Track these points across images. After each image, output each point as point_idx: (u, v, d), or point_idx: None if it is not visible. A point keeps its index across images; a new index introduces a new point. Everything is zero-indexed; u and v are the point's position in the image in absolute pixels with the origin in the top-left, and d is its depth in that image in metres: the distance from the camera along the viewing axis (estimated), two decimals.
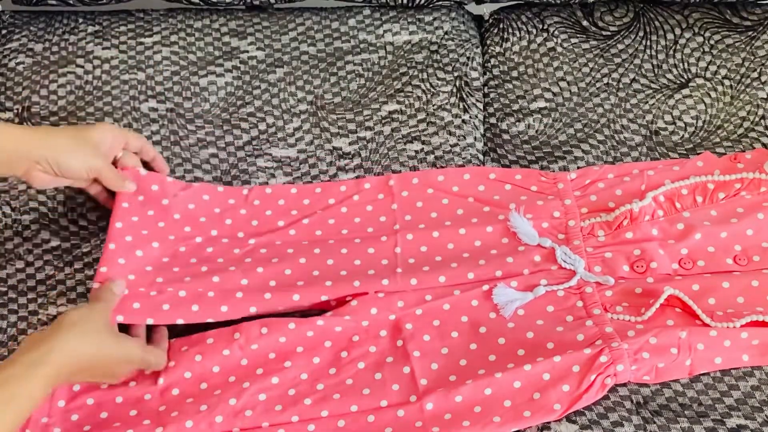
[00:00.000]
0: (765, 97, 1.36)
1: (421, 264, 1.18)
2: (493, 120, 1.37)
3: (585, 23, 1.44)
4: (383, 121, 1.34)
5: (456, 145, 1.32)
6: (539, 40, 1.43)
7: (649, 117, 1.34)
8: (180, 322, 1.12)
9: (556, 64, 1.40)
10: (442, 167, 1.30)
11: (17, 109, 1.36)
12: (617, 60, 1.40)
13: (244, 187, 1.26)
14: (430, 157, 1.31)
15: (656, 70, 1.39)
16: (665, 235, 1.18)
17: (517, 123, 1.35)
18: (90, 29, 1.44)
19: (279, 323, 1.12)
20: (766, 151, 1.27)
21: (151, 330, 1.13)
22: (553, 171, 1.29)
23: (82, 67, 1.40)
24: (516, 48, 1.43)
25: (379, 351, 1.11)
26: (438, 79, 1.39)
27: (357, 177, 1.29)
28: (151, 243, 1.19)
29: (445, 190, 1.24)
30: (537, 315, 1.13)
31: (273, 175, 1.29)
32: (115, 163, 1.20)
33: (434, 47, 1.42)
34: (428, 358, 1.10)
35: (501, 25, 1.45)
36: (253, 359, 1.10)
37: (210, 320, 1.13)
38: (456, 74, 1.39)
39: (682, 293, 1.11)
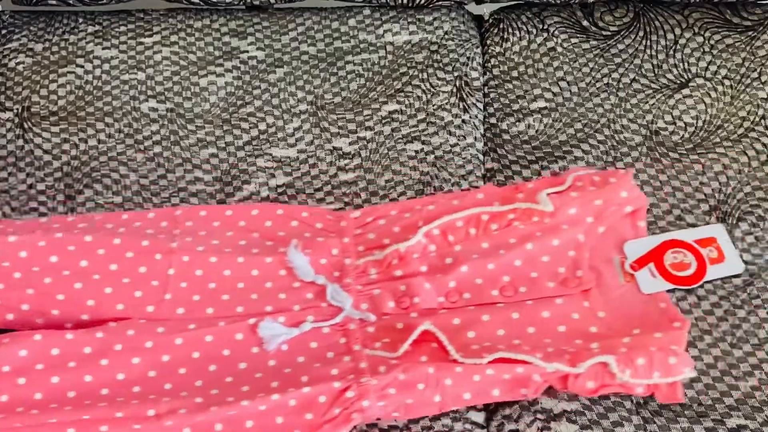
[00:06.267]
0: (765, 97, 1.36)
1: (192, 291, 1.16)
2: (493, 120, 1.37)
3: (585, 23, 1.44)
4: (383, 121, 1.34)
5: (456, 145, 1.32)
6: (539, 40, 1.43)
7: (649, 117, 1.34)
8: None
9: (556, 64, 1.40)
10: (442, 167, 1.30)
11: (17, 109, 1.36)
12: (617, 60, 1.40)
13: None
14: (430, 157, 1.31)
15: (656, 70, 1.39)
16: (434, 269, 1.17)
17: (517, 123, 1.35)
18: (90, 29, 1.44)
19: (22, 336, 1.10)
20: (550, 179, 1.25)
21: None
22: (554, 170, 1.28)
23: (82, 67, 1.40)
24: (516, 48, 1.43)
25: (128, 379, 1.09)
26: (438, 79, 1.39)
27: (357, 177, 1.29)
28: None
29: (231, 224, 1.22)
30: (300, 351, 1.12)
31: (273, 175, 1.30)
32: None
33: (434, 47, 1.42)
34: (180, 389, 1.08)
35: (501, 25, 1.45)
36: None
37: None
38: (456, 74, 1.39)
39: (436, 328, 1.10)
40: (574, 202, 1.20)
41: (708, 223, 1.24)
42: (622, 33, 1.43)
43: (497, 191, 1.23)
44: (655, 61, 1.40)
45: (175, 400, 1.06)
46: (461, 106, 1.36)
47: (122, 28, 1.44)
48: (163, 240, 1.18)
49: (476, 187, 1.28)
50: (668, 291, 1.17)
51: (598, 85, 1.38)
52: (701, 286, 1.18)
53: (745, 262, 1.21)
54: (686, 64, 1.39)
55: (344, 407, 1.05)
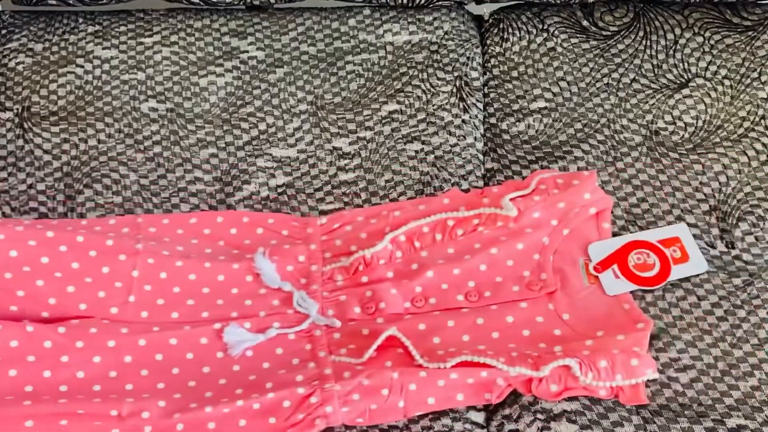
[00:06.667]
0: (765, 97, 1.36)
1: (156, 294, 1.15)
2: (493, 120, 1.37)
3: (585, 23, 1.44)
4: (383, 121, 1.34)
5: (456, 145, 1.32)
6: (539, 40, 1.43)
7: (649, 117, 1.35)
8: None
9: (556, 64, 1.40)
10: (442, 167, 1.30)
11: (17, 109, 1.36)
12: (617, 60, 1.40)
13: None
14: (430, 157, 1.31)
15: (656, 70, 1.39)
16: (400, 275, 1.17)
17: (517, 123, 1.35)
18: (90, 29, 1.44)
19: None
20: (515, 182, 1.25)
21: None
22: (555, 170, 1.29)
23: (82, 67, 1.40)
24: (516, 48, 1.43)
25: (88, 378, 1.08)
26: (438, 79, 1.39)
27: (357, 177, 1.29)
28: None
29: (195, 232, 1.22)
30: (265, 357, 1.11)
31: (273, 175, 1.30)
32: None
33: (434, 47, 1.42)
34: (142, 390, 1.08)
35: (501, 25, 1.45)
36: None
37: None
38: (456, 74, 1.39)
39: (401, 333, 1.10)
40: (537, 206, 1.21)
41: (708, 224, 1.24)
42: (622, 33, 1.43)
43: (463, 196, 1.24)
44: (655, 61, 1.40)
45: (137, 401, 1.06)
46: (461, 106, 1.36)
47: (122, 28, 1.44)
48: (127, 241, 1.17)
49: (477, 187, 1.28)
50: (645, 291, 1.18)
51: (598, 85, 1.38)
52: (670, 286, 1.19)
53: (745, 262, 1.21)
54: (686, 64, 1.39)
55: (308, 412, 1.05)
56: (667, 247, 1.20)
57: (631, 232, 1.23)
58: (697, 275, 1.19)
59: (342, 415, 1.06)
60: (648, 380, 1.10)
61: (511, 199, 1.20)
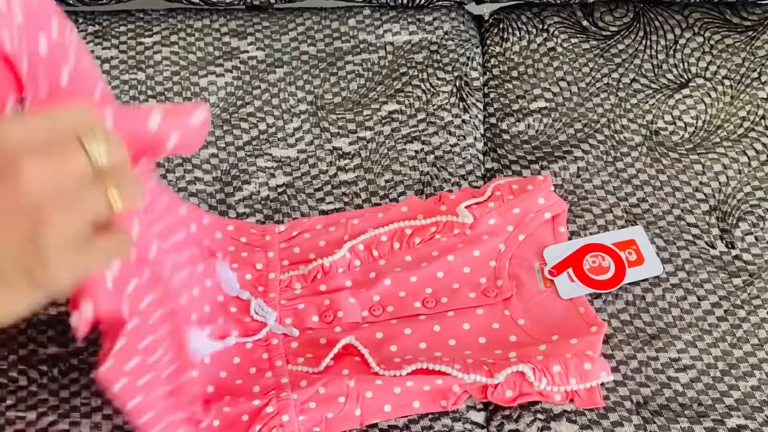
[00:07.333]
0: (765, 97, 1.36)
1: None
2: (493, 120, 1.37)
3: (585, 23, 1.44)
4: (383, 121, 1.35)
5: (456, 145, 1.33)
6: (539, 40, 1.43)
7: (649, 117, 1.35)
8: None
9: (556, 64, 1.40)
10: (442, 167, 1.30)
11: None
12: (617, 60, 1.40)
13: None
14: (430, 157, 1.31)
15: (656, 70, 1.39)
16: (358, 284, 1.18)
17: (517, 123, 1.35)
18: (90, 29, 1.44)
19: None
20: (472, 189, 1.26)
21: None
22: (554, 171, 1.29)
23: None
24: (516, 48, 1.43)
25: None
26: (438, 79, 1.39)
27: (357, 177, 1.29)
28: None
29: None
30: (223, 366, 1.11)
31: (273, 175, 1.30)
32: None
33: (434, 47, 1.42)
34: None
35: (501, 25, 1.46)
36: None
37: None
38: (456, 74, 1.39)
39: (358, 341, 1.10)
40: (492, 213, 1.21)
41: (708, 224, 1.24)
42: (622, 33, 1.43)
43: (421, 204, 1.24)
44: (655, 61, 1.40)
45: None
46: (461, 106, 1.36)
47: (122, 28, 1.44)
48: None
49: (475, 187, 1.28)
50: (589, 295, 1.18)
51: (598, 85, 1.38)
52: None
53: (745, 262, 1.21)
54: (686, 64, 1.39)
55: (264, 423, 1.05)
56: (623, 249, 1.20)
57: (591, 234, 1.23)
58: (654, 277, 1.19)
59: (298, 424, 1.06)
60: (603, 382, 1.10)
61: (467, 206, 1.21)
